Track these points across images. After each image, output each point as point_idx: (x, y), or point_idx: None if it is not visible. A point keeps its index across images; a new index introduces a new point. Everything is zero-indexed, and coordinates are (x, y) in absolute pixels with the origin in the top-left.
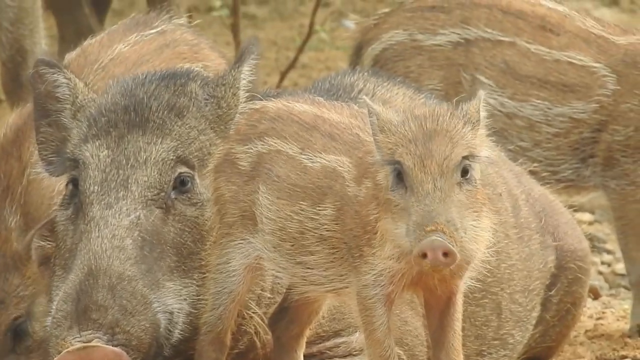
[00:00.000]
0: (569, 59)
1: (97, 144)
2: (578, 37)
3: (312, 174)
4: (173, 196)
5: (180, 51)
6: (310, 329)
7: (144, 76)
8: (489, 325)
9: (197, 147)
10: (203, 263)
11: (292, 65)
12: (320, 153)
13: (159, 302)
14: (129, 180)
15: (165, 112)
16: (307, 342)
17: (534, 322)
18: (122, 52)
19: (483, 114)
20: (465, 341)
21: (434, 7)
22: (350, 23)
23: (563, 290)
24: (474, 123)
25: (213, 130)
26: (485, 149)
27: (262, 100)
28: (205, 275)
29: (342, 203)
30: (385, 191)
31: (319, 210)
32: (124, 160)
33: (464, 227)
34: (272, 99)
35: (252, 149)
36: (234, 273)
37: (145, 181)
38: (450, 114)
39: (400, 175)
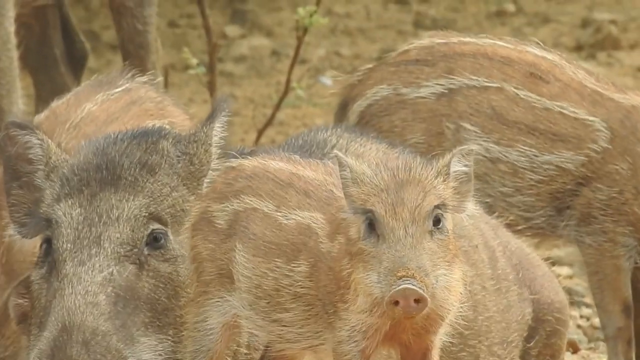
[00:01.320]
0: (561, 109)
1: (70, 202)
2: (569, 87)
3: (287, 230)
4: (146, 252)
5: (147, 108)
6: None
7: (116, 135)
8: None
9: (170, 204)
10: (178, 319)
11: (269, 122)
12: (295, 210)
13: (133, 356)
14: (102, 237)
15: (137, 170)
16: None
17: None
18: (91, 111)
19: (464, 169)
20: None
21: (417, 60)
22: (327, 80)
23: (542, 342)
24: (445, 175)
25: (185, 187)
26: (469, 203)
27: (237, 158)
28: (181, 332)
29: (316, 260)
30: (357, 242)
31: (294, 267)
32: (97, 218)
33: (435, 275)
34: (248, 157)
35: (228, 207)
36: (211, 331)
37: (117, 238)
38: (423, 165)
39: (372, 225)
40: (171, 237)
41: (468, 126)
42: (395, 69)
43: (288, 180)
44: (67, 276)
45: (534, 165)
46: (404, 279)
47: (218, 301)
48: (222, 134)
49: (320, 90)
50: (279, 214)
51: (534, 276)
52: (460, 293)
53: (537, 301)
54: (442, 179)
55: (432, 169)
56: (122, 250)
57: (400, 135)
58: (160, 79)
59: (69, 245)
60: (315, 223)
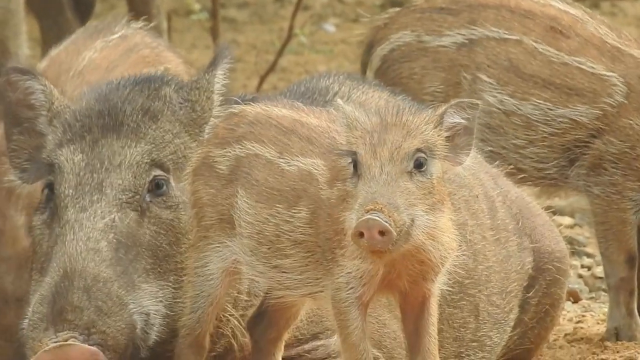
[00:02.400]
0: (578, 64)
1: (72, 148)
2: (589, 42)
3: (288, 177)
4: (148, 199)
5: (144, 55)
6: (288, 333)
7: (118, 82)
8: (466, 327)
9: (172, 151)
10: (179, 265)
11: (271, 68)
12: (297, 156)
13: (134, 303)
14: (104, 184)
15: (140, 116)
16: (285, 345)
17: (512, 324)
18: (92, 59)
19: (461, 121)
20: (444, 343)
21: (442, 8)
22: (330, 26)
23: (541, 291)
24: (437, 123)
25: (187, 134)
26: (467, 156)
27: (240, 104)
28: (182, 278)
29: (316, 206)
30: (344, 183)
31: (294, 213)
32: (98, 164)
33: (409, 214)
34: (251, 104)
35: (230, 152)
36: (211, 277)
37: (119, 184)
38: (414, 111)
39: (356, 166)
40: (173, 184)
41: (484, 78)
42: (420, 16)
43: (291, 126)
44: (69, 222)
45: (548, 119)
46: (371, 212)
47: (218, 246)
48: (224, 81)
49: (322, 37)
50: (281, 160)
51: (534, 225)
52: (453, 240)
53: (538, 250)
54: (432, 126)
55: (423, 115)
56: (124, 196)
57: (419, 82)
58: (142, 23)
59: (70, 191)
60: (316, 169)
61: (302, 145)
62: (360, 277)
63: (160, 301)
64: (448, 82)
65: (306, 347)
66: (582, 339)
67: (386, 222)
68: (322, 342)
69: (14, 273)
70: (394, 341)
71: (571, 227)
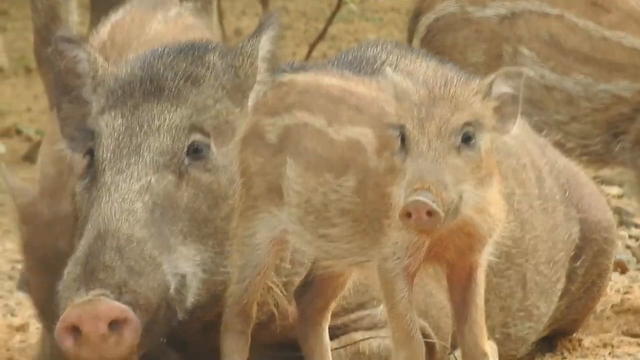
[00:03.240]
0: (619, 39)
1: (113, 114)
2: (630, 17)
3: (337, 146)
4: (187, 162)
5: (198, 36)
6: (335, 302)
7: (163, 48)
8: (513, 296)
9: (213, 115)
10: (219, 230)
11: (321, 36)
12: (346, 125)
13: (169, 264)
14: (142, 147)
15: (181, 81)
16: (332, 314)
17: (559, 294)
18: (158, 31)
19: (508, 90)
20: (490, 313)
21: None
22: None
23: (588, 262)
24: (485, 94)
25: (230, 99)
26: (514, 125)
27: (289, 72)
28: (222, 243)
29: (364, 175)
30: (392, 156)
31: (342, 182)
32: (138, 128)
33: (457, 190)
34: (301, 72)
35: (279, 121)
36: (259, 246)
37: (157, 147)
38: (462, 82)
39: (404, 140)
40: (213, 148)
41: (525, 51)
42: None
43: (340, 95)
44: (105, 185)
45: (590, 94)
46: (418, 191)
47: (266, 216)
48: (270, 47)
49: (372, 4)
50: (330, 129)
51: (582, 195)
52: (503, 212)
53: (585, 220)
54: (480, 97)
55: (471, 86)
56: (161, 159)
57: (462, 53)
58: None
59: (108, 154)
60: (365, 139)
61: (351, 114)
62: (407, 247)
63: (198, 264)
64: (489, 53)
65: (352, 316)
66: (629, 309)
67: (433, 202)
68: (368, 311)
69: (71, 233)
70: (440, 311)
71: (619, 197)
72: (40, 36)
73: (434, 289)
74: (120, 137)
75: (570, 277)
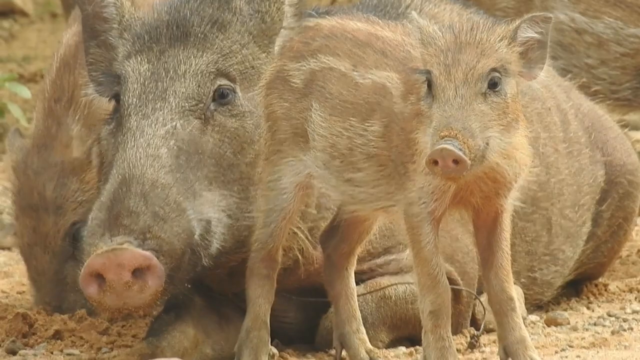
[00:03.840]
0: None
1: (139, 59)
2: None
3: (362, 90)
4: (212, 107)
5: None
6: (360, 247)
7: None
8: (539, 240)
9: (239, 61)
10: (244, 176)
11: None
12: (372, 69)
13: (193, 210)
14: (167, 92)
15: (208, 27)
16: (358, 259)
17: (584, 237)
18: None
19: (535, 35)
20: (516, 257)
21: None
22: None
23: (614, 205)
24: (511, 39)
25: (256, 44)
26: (540, 70)
27: (315, 17)
28: (247, 188)
29: (389, 119)
30: (418, 102)
31: (367, 126)
32: (164, 73)
33: (484, 137)
34: (326, 17)
35: (305, 66)
36: (285, 190)
37: (183, 92)
38: (488, 27)
39: (430, 85)
40: (239, 93)
41: None
42: None
43: (366, 40)
44: (131, 130)
45: (620, 38)
46: (445, 138)
47: (292, 160)
48: None
49: None
50: (355, 73)
51: (607, 138)
52: (527, 156)
53: (610, 163)
54: (506, 42)
55: (496, 32)
56: (187, 104)
57: None
58: None
59: (134, 99)
60: (390, 83)
61: (377, 58)
62: (432, 192)
63: (223, 210)
64: None
65: (378, 261)
66: None
67: (460, 150)
68: (394, 256)
69: (57, 181)
70: (466, 255)
71: None
72: None
73: (460, 234)
74: (146, 82)
75: (596, 220)
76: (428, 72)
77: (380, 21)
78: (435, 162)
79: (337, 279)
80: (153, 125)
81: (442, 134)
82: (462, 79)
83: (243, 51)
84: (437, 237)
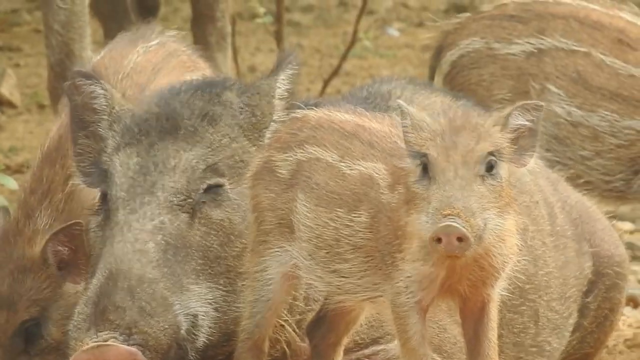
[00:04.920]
0: None
1: (128, 152)
2: None
3: (349, 181)
4: (201, 201)
5: (183, 60)
6: (347, 338)
7: (180, 86)
8: (526, 332)
9: (228, 155)
10: (231, 268)
11: (335, 72)
12: (359, 160)
13: (180, 304)
14: (156, 186)
15: (198, 120)
16: (345, 350)
17: (570, 329)
18: (137, 62)
19: (526, 123)
20: (504, 348)
21: (512, 16)
22: (394, 31)
23: (601, 296)
24: (503, 125)
25: (246, 138)
26: (531, 158)
27: (303, 108)
28: (234, 281)
29: (376, 210)
30: (412, 185)
31: (354, 217)
32: (153, 167)
33: (483, 218)
34: (314, 108)
35: (291, 156)
36: (271, 281)
37: (172, 187)
38: (480, 115)
39: (425, 168)
40: (228, 187)
41: (553, 88)
42: (490, 23)
43: (353, 131)
44: (119, 224)
45: (615, 130)
46: (449, 217)
47: (277, 251)
48: (288, 86)
49: (386, 41)
50: (342, 164)
51: (594, 230)
52: (516, 244)
53: (597, 254)
54: (499, 128)
55: (489, 118)
56: (175, 199)
57: (488, 89)
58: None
59: (122, 193)
60: (377, 174)
61: (364, 149)
62: (420, 281)
63: (210, 303)
64: (516, 90)
65: (366, 351)
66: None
67: (464, 227)
68: (382, 346)
69: (14, 276)
70: (454, 346)
71: (631, 232)
72: (54, 72)
73: (448, 324)
74: (135, 176)
75: (582, 311)
76: (424, 155)
77: (367, 113)
78: (439, 240)
79: None
80: (141, 219)
81: (445, 212)
82: (461, 160)
83: (233, 145)
84: (424, 326)
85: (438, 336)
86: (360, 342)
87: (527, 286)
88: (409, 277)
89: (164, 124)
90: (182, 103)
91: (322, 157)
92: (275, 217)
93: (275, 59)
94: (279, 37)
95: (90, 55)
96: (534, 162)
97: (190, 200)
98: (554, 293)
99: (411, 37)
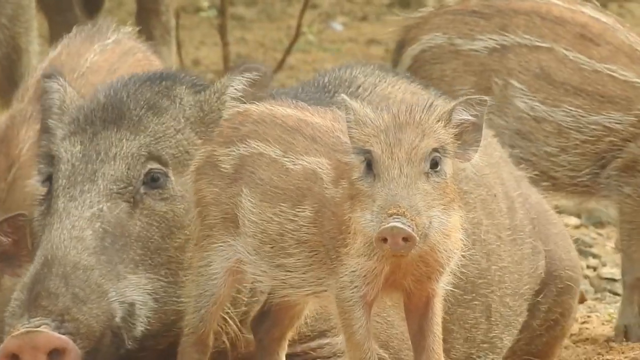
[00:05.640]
0: (610, 72)
1: (73, 140)
2: (620, 50)
3: (293, 175)
4: (142, 191)
5: (138, 58)
6: (292, 332)
7: (130, 77)
8: (478, 327)
9: (173, 145)
10: (172, 260)
11: (279, 66)
12: (302, 155)
13: (116, 292)
14: (97, 174)
15: (143, 110)
16: (291, 341)
17: (519, 327)
18: (94, 62)
19: (470, 118)
20: (454, 344)
21: (475, 12)
22: (338, 25)
23: (552, 298)
24: (446, 121)
25: (193, 131)
26: (475, 152)
27: (245, 103)
28: (175, 273)
29: (320, 205)
30: (356, 182)
31: (298, 212)
32: (95, 155)
33: (428, 216)
34: (255, 103)
35: (234, 151)
36: (215, 276)
37: (112, 175)
38: (424, 109)
39: (370, 165)
40: (172, 177)
41: (516, 84)
42: (453, 18)
43: (295, 125)
44: (58, 211)
45: (580, 125)
46: (394, 216)
47: (222, 246)
48: (246, 89)
49: (330, 35)
50: (285, 159)
51: (550, 233)
52: (461, 239)
53: (550, 256)
54: (442, 124)
55: (433, 113)
56: (115, 187)
57: (450, 85)
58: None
59: (64, 181)
60: (321, 168)
61: (307, 144)
62: (365, 275)
63: (149, 293)
64: (479, 86)
65: (312, 344)
66: (587, 339)
67: (409, 227)
68: (328, 340)
69: None
70: (401, 342)
71: (577, 227)
72: (1, 66)
73: (396, 320)
74: (77, 164)
75: (532, 311)
76: (368, 152)
77: (309, 107)
78: (384, 240)
79: None
80: (80, 207)
81: (390, 211)
82: (405, 158)
83: (177, 136)
84: (369, 321)
85: (385, 332)
86: (307, 334)
87: (479, 280)
88: (353, 271)
89: (109, 113)
90: (129, 94)
91: (265, 152)
92: (220, 211)
93: (224, 50)
94: (222, 31)
95: (37, 49)
96: (477, 157)
97: (131, 187)
98: (508, 288)
99: (355, 31)
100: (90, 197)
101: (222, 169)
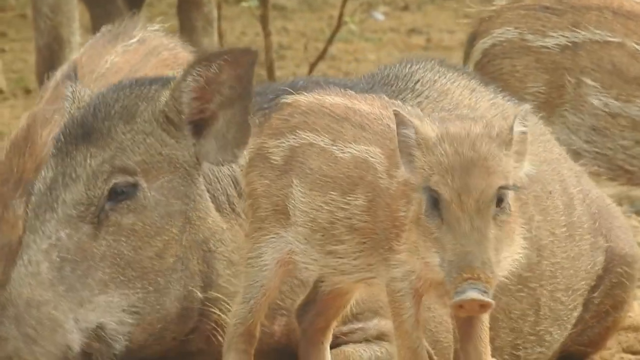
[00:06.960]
0: None
1: (49, 164)
2: None
3: (342, 164)
4: (108, 207)
5: (163, 57)
6: (336, 322)
7: (112, 85)
8: (525, 319)
9: (142, 151)
10: (147, 269)
11: (321, 56)
12: (351, 143)
13: (76, 320)
14: (58, 201)
15: (114, 120)
16: None
17: (573, 321)
18: (115, 63)
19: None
20: (499, 332)
21: (547, 7)
22: (380, 15)
23: (605, 292)
24: (507, 143)
25: (164, 131)
26: (526, 162)
27: (293, 94)
28: (155, 280)
29: (374, 194)
30: (420, 215)
31: (350, 200)
32: (61, 179)
33: (498, 262)
34: (304, 93)
35: (284, 143)
36: (265, 267)
37: (72, 199)
38: (486, 137)
39: (435, 203)
40: (143, 184)
41: (589, 81)
42: (525, 13)
43: (344, 114)
44: (23, 247)
45: None
46: (469, 281)
47: (273, 237)
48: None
49: (372, 25)
50: (334, 147)
51: (611, 226)
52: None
53: (611, 251)
54: (504, 149)
55: (495, 140)
56: (74, 212)
57: (521, 81)
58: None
59: (32, 213)
60: (373, 157)
61: (355, 132)
62: (418, 272)
63: (124, 310)
64: (552, 84)
65: (344, 328)
66: (629, 327)
67: (486, 294)
68: (361, 324)
69: (5, 262)
70: (439, 325)
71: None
72: (42, 56)
73: (433, 303)
74: (45, 192)
75: (586, 305)
76: (434, 191)
77: (357, 95)
78: (461, 306)
79: (313, 354)
80: (38, 240)
81: (465, 275)
82: (474, 208)
83: (148, 140)
84: (419, 310)
85: (423, 315)
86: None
87: (527, 274)
88: (407, 268)
89: (82, 129)
90: (103, 104)
91: (314, 142)
92: (271, 203)
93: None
94: (264, 21)
95: (79, 39)
96: (529, 166)
97: (93, 207)
98: (560, 284)
99: (396, 21)
100: (50, 227)
101: (272, 161)
